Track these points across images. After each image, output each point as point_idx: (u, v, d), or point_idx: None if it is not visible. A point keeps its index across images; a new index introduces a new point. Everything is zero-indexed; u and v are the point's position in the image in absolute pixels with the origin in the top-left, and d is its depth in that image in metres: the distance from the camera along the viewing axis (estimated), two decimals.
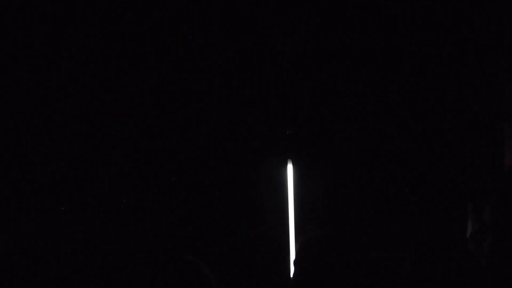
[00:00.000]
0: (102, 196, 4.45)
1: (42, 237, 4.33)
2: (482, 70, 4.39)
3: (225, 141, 4.56)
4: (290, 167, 4.55)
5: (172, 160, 4.55)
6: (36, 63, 4.39)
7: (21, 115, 4.41)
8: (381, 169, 4.51)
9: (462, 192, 4.29)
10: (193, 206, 4.53)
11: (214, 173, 4.55)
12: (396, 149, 4.51)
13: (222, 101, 4.54)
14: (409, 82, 4.49)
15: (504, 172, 4.12)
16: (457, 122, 4.47)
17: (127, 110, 4.51)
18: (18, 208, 4.35)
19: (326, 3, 4.43)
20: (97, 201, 4.44)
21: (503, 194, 3.21)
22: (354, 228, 3.62)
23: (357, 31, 4.44)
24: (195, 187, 4.55)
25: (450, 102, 4.47)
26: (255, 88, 4.54)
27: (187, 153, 4.56)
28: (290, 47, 4.49)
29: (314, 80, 4.53)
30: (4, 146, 4.39)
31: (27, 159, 4.41)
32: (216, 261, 4.28)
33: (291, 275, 2.06)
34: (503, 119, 4.38)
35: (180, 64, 4.51)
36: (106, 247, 4.34)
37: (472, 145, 4.43)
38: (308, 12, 4.43)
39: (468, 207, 3.69)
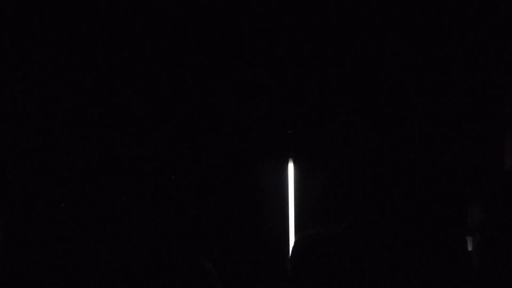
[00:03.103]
0: (102, 194, 4.46)
1: (42, 234, 4.35)
2: (483, 73, 4.39)
3: (227, 140, 4.57)
4: (291, 166, 4.57)
5: (174, 159, 4.57)
6: (38, 63, 4.40)
7: (22, 115, 4.42)
8: (381, 169, 4.52)
9: (461, 193, 4.30)
10: (195, 204, 4.54)
11: (216, 172, 4.57)
12: (396, 150, 4.51)
13: (225, 101, 4.55)
14: (410, 84, 4.49)
15: (503, 173, 4.12)
16: (458, 124, 4.47)
17: (128, 110, 4.52)
18: (18, 206, 4.37)
19: (328, 6, 4.43)
20: (97, 199, 4.45)
21: (502, 195, 3.22)
22: (351, 226, 3.64)
23: (359, 33, 4.45)
24: (197, 186, 4.56)
25: (451, 104, 4.47)
26: (257, 89, 4.55)
27: (190, 152, 4.57)
28: (292, 49, 4.50)
29: (315, 81, 4.54)
30: (6, 145, 4.40)
31: (27, 158, 4.43)
32: (216, 258, 4.29)
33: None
34: (504, 121, 4.39)
35: (183, 65, 4.52)
36: (106, 244, 4.36)
37: (473, 147, 4.43)
38: (311, 14, 4.44)
39: (468, 208, 3.70)
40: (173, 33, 4.47)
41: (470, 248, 3.68)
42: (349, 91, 4.54)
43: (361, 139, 4.55)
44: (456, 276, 3.61)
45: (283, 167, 4.56)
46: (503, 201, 3.16)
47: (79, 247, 4.32)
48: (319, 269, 1.95)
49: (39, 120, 4.42)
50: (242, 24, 4.46)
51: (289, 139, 4.60)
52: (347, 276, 2.02)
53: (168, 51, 4.50)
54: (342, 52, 4.49)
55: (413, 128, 4.51)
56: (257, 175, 4.56)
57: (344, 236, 3.18)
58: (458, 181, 4.40)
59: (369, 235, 3.25)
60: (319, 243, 2.01)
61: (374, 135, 4.54)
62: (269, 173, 4.57)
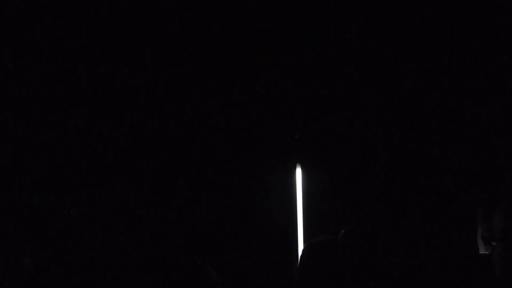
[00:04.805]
0: (110, 200, 4.47)
1: (52, 239, 4.36)
2: (494, 74, 4.34)
3: (236, 145, 4.57)
4: (298, 171, 4.56)
5: (183, 164, 4.57)
6: (40, 64, 4.39)
7: (29, 120, 4.43)
8: (390, 173, 4.50)
9: (472, 197, 4.26)
10: (203, 209, 4.54)
11: (223, 178, 4.57)
12: (405, 154, 4.49)
13: (232, 107, 4.55)
14: (420, 86, 4.46)
15: None
16: (468, 127, 4.44)
17: (137, 114, 4.52)
18: (26, 212, 4.38)
19: (337, 12, 4.40)
20: (105, 205, 4.45)
21: None
22: (360, 232, 3.61)
23: (363, 36, 4.42)
24: (205, 191, 4.56)
25: (461, 107, 4.43)
26: (264, 95, 4.54)
27: (198, 158, 4.57)
28: (299, 55, 4.48)
29: (321, 86, 4.53)
30: (14, 150, 4.41)
31: (36, 163, 4.44)
32: (224, 263, 4.29)
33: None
34: None
35: (192, 69, 4.51)
36: (114, 250, 4.35)
37: (483, 150, 4.39)
38: (318, 20, 4.42)
39: (478, 212, 3.66)
40: (180, 34, 4.46)
41: (481, 251, 3.65)
42: (356, 94, 4.51)
43: (369, 143, 4.52)
44: (465, 279, 3.57)
45: (290, 172, 4.55)
46: None
47: (88, 253, 4.32)
48: (327, 277, 1.93)
49: (49, 124, 4.43)
50: (249, 28, 4.45)
51: (296, 144, 4.59)
52: (355, 283, 2.00)
53: (175, 54, 4.49)
54: (349, 56, 4.47)
55: (422, 130, 4.48)
56: (265, 180, 4.56)
57: (352, 243, 3.16)
58: (467, 182, 4.37)
59: (375, 241, 3.22)
60: (328, 250, 1.99)
61: (383, 139, 4.51)
62: (277, 178, 4.56)
